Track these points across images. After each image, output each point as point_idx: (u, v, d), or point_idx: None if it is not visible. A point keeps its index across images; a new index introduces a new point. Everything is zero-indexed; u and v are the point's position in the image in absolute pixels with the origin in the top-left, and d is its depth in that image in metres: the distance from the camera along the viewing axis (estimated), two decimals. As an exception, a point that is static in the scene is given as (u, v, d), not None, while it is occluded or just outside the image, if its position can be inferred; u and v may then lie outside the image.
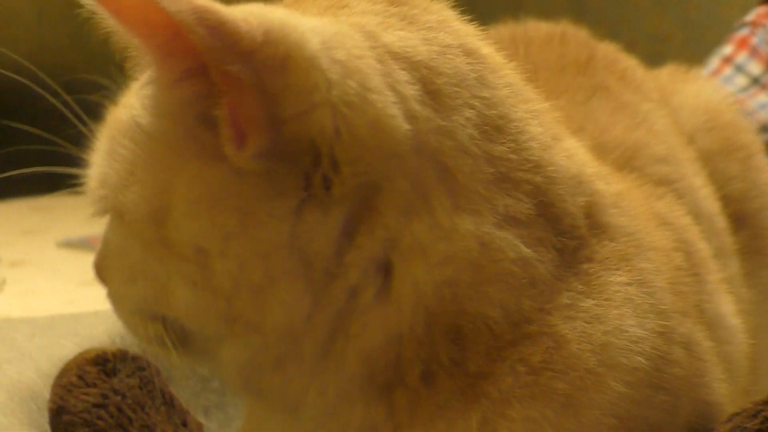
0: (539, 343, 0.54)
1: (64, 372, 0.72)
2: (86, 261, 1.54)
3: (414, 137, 0.52)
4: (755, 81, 1.73)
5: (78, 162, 0.59)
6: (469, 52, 0.56)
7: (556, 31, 0.84)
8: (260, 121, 0.51)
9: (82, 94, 0.61)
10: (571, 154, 0.59)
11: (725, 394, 0.62)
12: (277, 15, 0.51)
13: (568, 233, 0.56)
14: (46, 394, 0.73)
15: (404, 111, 0.52)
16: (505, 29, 0.85)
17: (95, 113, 0.60)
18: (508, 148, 0.55)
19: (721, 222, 0.79)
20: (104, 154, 0.57)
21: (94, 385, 0.70)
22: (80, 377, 0.70)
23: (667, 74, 0.93)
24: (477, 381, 0.54)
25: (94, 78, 0.61)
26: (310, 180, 0.52)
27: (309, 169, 0.52)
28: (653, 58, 0.94)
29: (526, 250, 0.54)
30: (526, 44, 0.81)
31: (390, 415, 0.54)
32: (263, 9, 0.52)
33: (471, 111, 0.54)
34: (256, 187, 0.52)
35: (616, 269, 0.57)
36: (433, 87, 0.53)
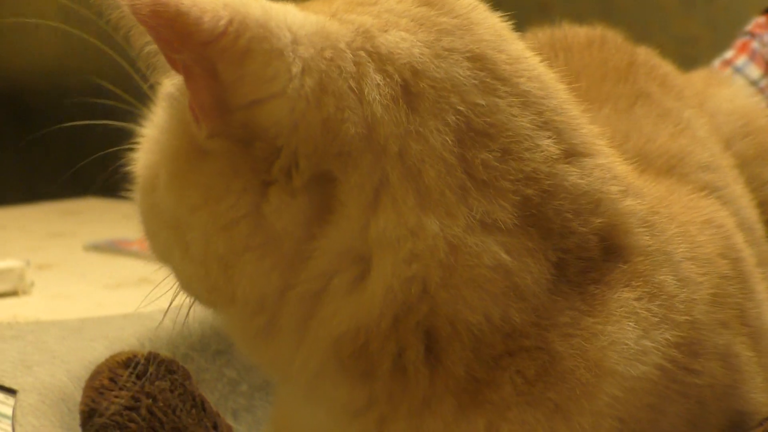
0: (535, 358, 0.54)
1: (96, 374, 0.72)
2: (114, 264, 1.55)
3: (369, 139, 0.53)
4: (753, 84, 1.73)
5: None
6: (475, 59, 0.55)
7: (595, 36, 0.83)
8: (208, 106, 0.53)
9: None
10: (588, 172, 0.57)
11: (764, 403, 0.61)
12: (249, 8, 0.52)
13: (573, 252, 0.56)
14: (77, 396, 0.73)
15: (362, 116, 0.52)
16: (543, 34, 0.84)
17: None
18: (494, 156, 0.54)
19: (761, 230, 0.78)
20: (150, 120, 0.60)
21: (126, 388, 0.70)
22: (112, 380, 0.71)
23: (701, 78, 0.92)
24: (478, 387, 0.54)
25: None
26: (270, 166, 0.53)
27: (268, 156, 0.53)
28: (681, 60, 0.93)
29: (506, 258, 0.53)
30: (565, 50, 0.81)
31: (372, 403, 0.56)
32: (241, 1, 0.53)
33: (455, 116, 0.54)
34: (215, 165, 0.54)
35: (625, 286, 0.56)
36: (415, 89, 0.53)
